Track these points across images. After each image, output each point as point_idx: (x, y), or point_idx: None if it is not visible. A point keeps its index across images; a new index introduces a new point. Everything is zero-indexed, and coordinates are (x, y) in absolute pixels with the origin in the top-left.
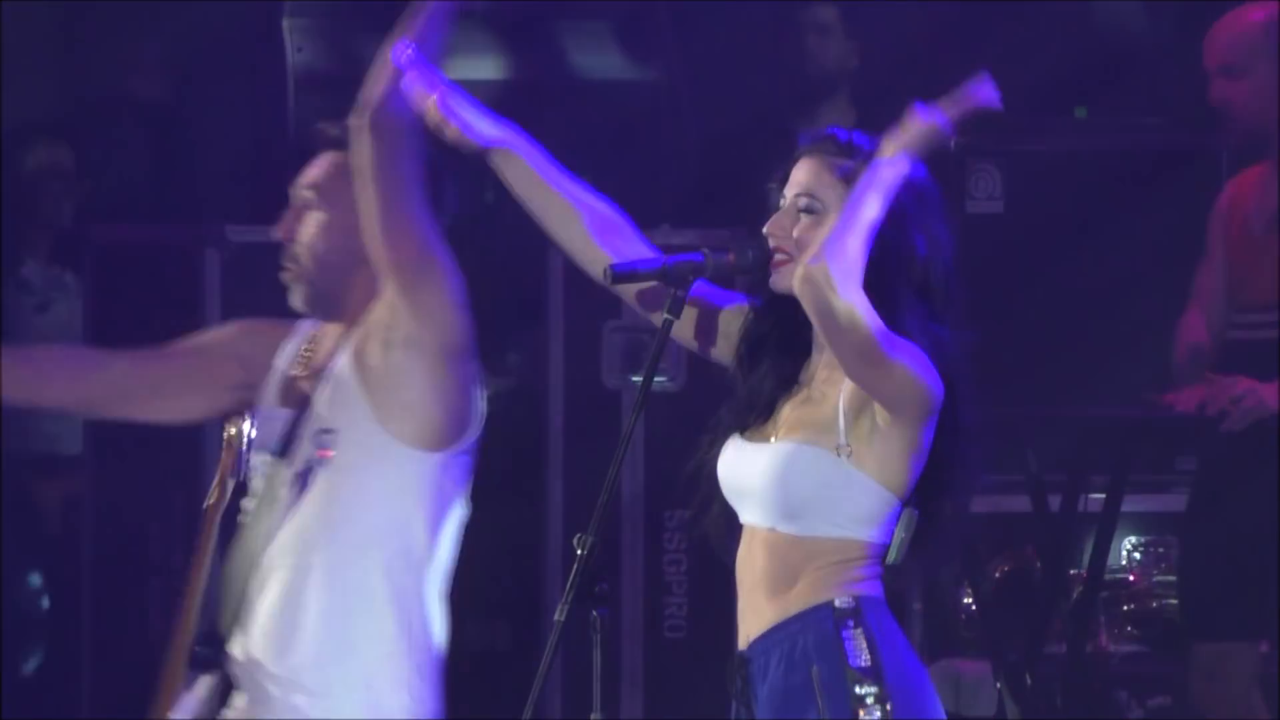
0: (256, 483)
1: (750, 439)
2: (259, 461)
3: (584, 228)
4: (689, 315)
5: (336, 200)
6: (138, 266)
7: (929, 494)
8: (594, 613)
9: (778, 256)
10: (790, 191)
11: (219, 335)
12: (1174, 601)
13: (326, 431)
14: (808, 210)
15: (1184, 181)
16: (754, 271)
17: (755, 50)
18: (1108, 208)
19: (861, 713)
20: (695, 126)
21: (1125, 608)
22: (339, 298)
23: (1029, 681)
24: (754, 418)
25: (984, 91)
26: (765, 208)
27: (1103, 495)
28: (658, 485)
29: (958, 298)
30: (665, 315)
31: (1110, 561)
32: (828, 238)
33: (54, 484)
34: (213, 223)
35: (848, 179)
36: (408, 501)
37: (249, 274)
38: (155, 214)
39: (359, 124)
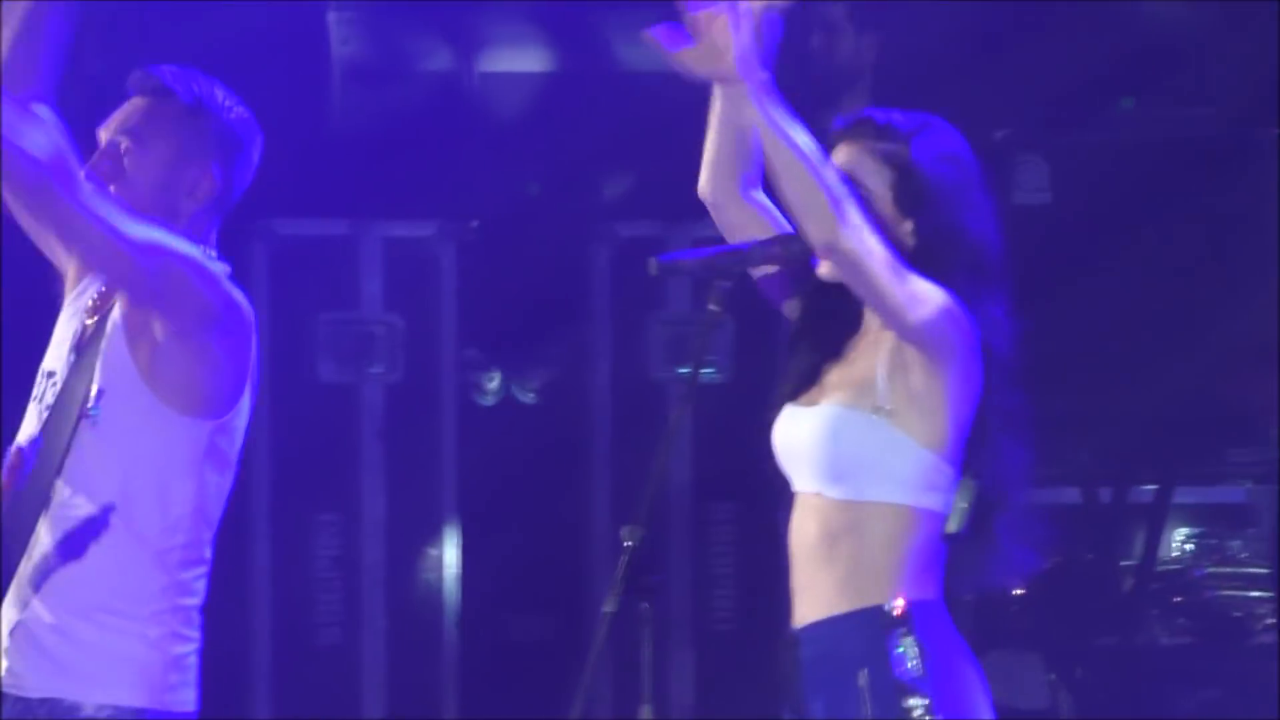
0: (39, 420)
1: (799, 405)
2: (49, 398)
3: (743, 154)
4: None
5: (152, 148)
6: None
7: (983, 468)
8: (643, 605)
9: None
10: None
11: None
12: (1226, 593)
13: (99, 391)
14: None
15: (1231, 172)
16: (799, 261)
17: (793, 43)
18: (1155, 198)
19: None
20: None
21: (1176, 600)
22: None
23: (1080, 674)
24: (802, 385)
25: None
26: None
27: (1154, 488)
28: (706, 476)
29: (1008, 277)
30: (711, 307)
31: (1161, 554)
32: (817, 199)
33: None
34: (259, 216)
35: (891, 162)
36: (173, 467)
37: (296, 267)
38: None
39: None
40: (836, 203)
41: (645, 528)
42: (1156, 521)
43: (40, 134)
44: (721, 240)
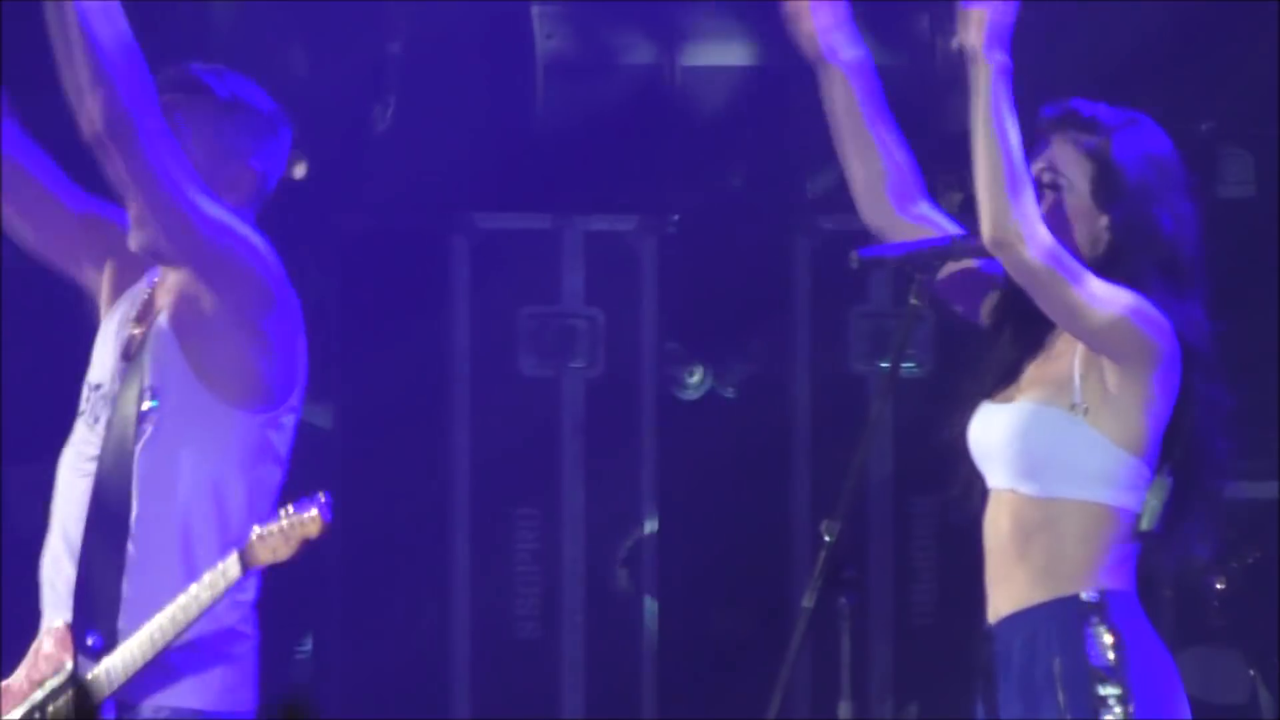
0: (95, 434)
1: (996, 402)
2: (99, 408)
3: (881, 172)
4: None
5: (192, 142)
6: (386, 254)
7: (1180, 465)
8: (841, 600)
9: None
10: (1034, 167)
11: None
12: None
13: (154, 388)
14: (1052, 186)
15: None
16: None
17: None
18: None
19: (1103, 712)
20: (943, 123)
21: None
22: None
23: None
24: (1000, 382)
25: None
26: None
27: None
28: (906, 471)
29: (1205, 275)
30: (912, 300)
31: None
32: (998, 190)
33: None
34: (461, 210)
35: (1093, 155)
36: (228, 463)
37: (497, 261)
38: (403, 202)
39: (91, 139)
40: (1016, 196)
41: (844, 522)
42: None
43: (144, 84)
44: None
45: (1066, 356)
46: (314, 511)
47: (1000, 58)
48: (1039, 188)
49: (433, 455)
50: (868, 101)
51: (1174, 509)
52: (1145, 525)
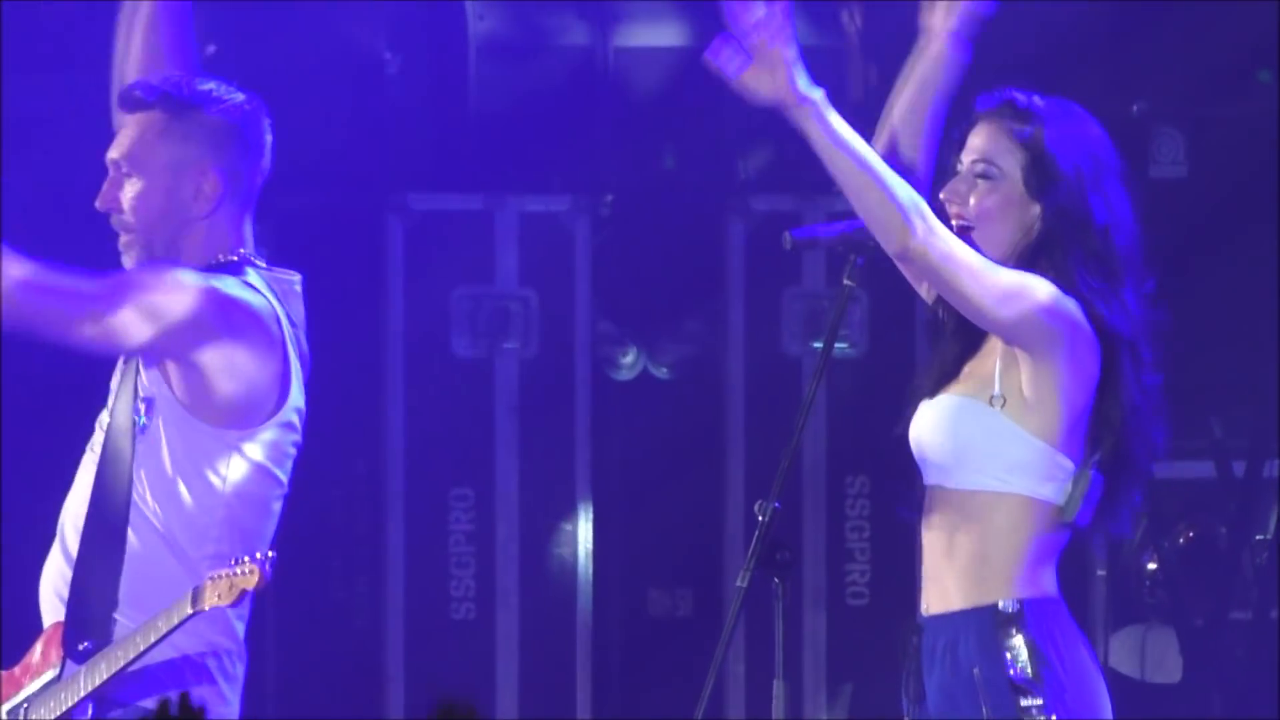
0: (101, 440)
1: (932, 399)
2: (102, 418)
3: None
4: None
5: (148, 165)
6: (320, 234)
7: (1109, 453)
8: (775, 580)
9: (956, 224)
10: (967, 157)
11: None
12: None
13: (147, 399)
14: (984, 176)
15: None
16: None
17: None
18: None
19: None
20: (877, 93)
21: None
22: (171, 259)
23: (1213, 647)
24: (941, 379)
25: None
26: (944, 172)
27: None
28: (839, 451)
29: (1139, 261)
30: (846, 282)
31: None
32: (883, 206)
33: None
34: (395, 191)
35: (1026, 144)
36: (201, 477)
37: (431, 241)
38: (337, 182)
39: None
40: (904, 213)
41: (778, 502)
42: None
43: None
44: (855, 216)
45: (994, 352)
46: (253, 568)
47: (815, 94)
48: (973, 177)
49: (367, 436)
50: (944, 94)
51: (1104, 500)
52: (1068, 516)
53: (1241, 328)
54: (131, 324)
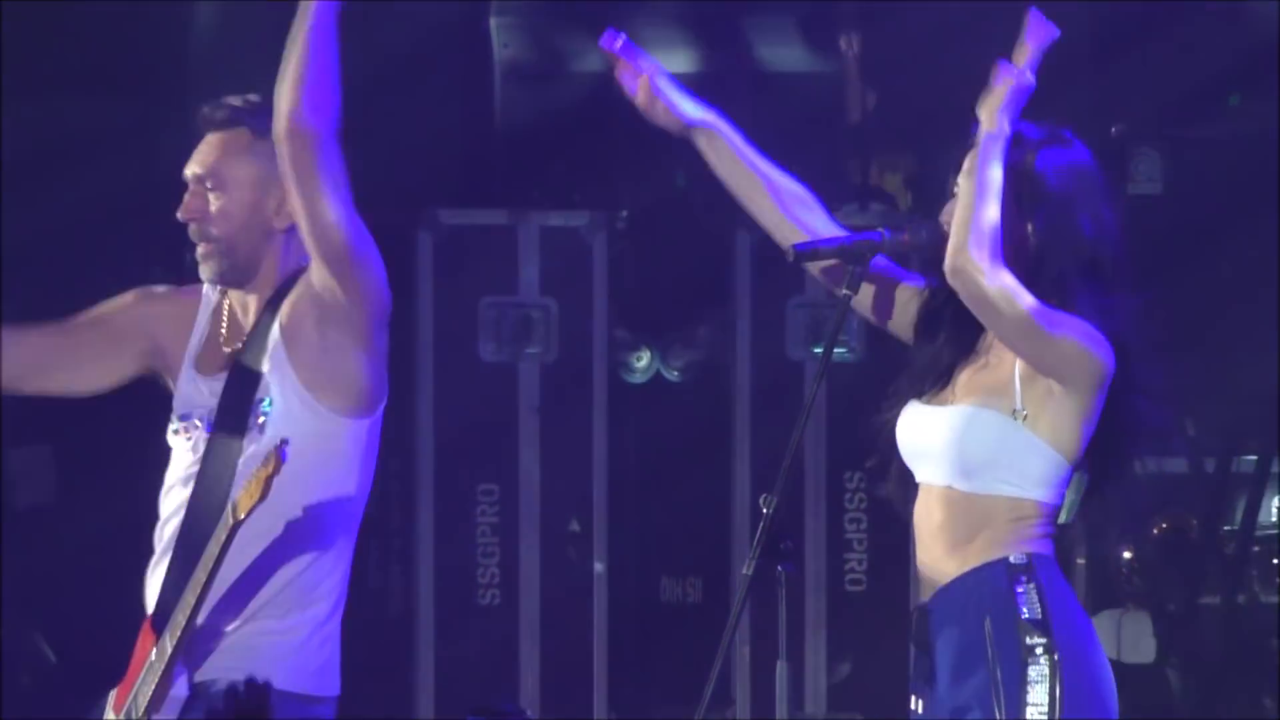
0: (194, 451)
1: (928, 403)
2: (193, 430)
3: (776, 203)
4: (869, 290)
5: (228, 180)
6: None
7: (1105, 453)
8: (779, 568)
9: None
10: (963, 177)
11: (119, 304)
12: None
13: (265, 400)
14: None
15: None
16: (927, 249)
17: (932, 44)
18: (1259, 188)
19: (1030, 662)
20: (874, 116)
21: (1275, 561)
22: (252, 269)
23: (1185, 630)
24: (932, 384)
25: (1040, 28)
26: (943, 194)
27: (1255, 457)
28: (838, 449)
29: (1127, 272)
30: (844, 290)
31: (1261, 519)
32: (965, 227)
33: None
34: (425, 207)
35: (1017, 168)
36: (339, 468)
37: (458, 254)
38: (372, 199)
39: (275, 133)
40: (975, 234)
41: (781, 496)
42: (1257, 489)
43: (331, 92)
44: (852, 229)
45: (1007, 364)
46: (272, 457)
47: (1003, 127)
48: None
49: (399, 435)
50: (739, 146)
51: (1089, 499)
52: (1064, 518)
53: (1214, 334)
54: (372, 273)
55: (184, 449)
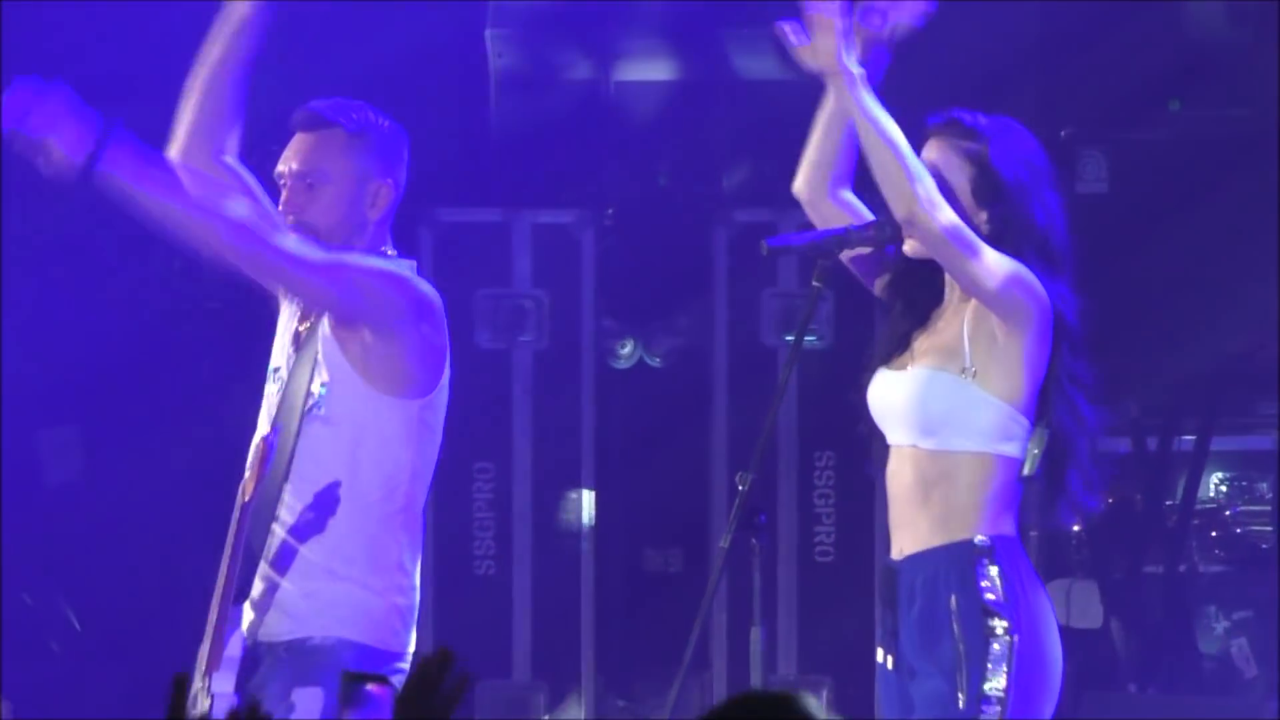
0: (270, 410)
1: (891, 368)
2: (278, 382)
3: (833, 162)
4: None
5: (333, 175)
6: None
7: (1054, 422)
8: (754, 540)
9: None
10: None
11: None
12: (1256, 528)
13: (323, 381)
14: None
15: (1266, 163)
16: (891, 242)
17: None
18: (1198, 188)
19: (992, 640)
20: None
21: (1213, 534)
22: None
23: (1130, 598)
24: (893, 351)
25: None
26: None
27: (1194, 437)
28: (809, 429)
29: (1072, 259)
30: (814, 283)
31: (1200, 494)
32: (901, 177)
33: None
34: (425, 205)
35: (972, 159)
36: (390, 444)
37: (456, 249)
38: None
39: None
40: (914, 181)
41: (756, 473)
42: (1196, 466)
43: (239, 202)
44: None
45: (954, 327)
46: (262, 442)
47: (858, 70)
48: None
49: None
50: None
51: (1050, 460)
52: (1028, 470)
53: (1156, 322)
54: (366, 294)
55: (270, 399)
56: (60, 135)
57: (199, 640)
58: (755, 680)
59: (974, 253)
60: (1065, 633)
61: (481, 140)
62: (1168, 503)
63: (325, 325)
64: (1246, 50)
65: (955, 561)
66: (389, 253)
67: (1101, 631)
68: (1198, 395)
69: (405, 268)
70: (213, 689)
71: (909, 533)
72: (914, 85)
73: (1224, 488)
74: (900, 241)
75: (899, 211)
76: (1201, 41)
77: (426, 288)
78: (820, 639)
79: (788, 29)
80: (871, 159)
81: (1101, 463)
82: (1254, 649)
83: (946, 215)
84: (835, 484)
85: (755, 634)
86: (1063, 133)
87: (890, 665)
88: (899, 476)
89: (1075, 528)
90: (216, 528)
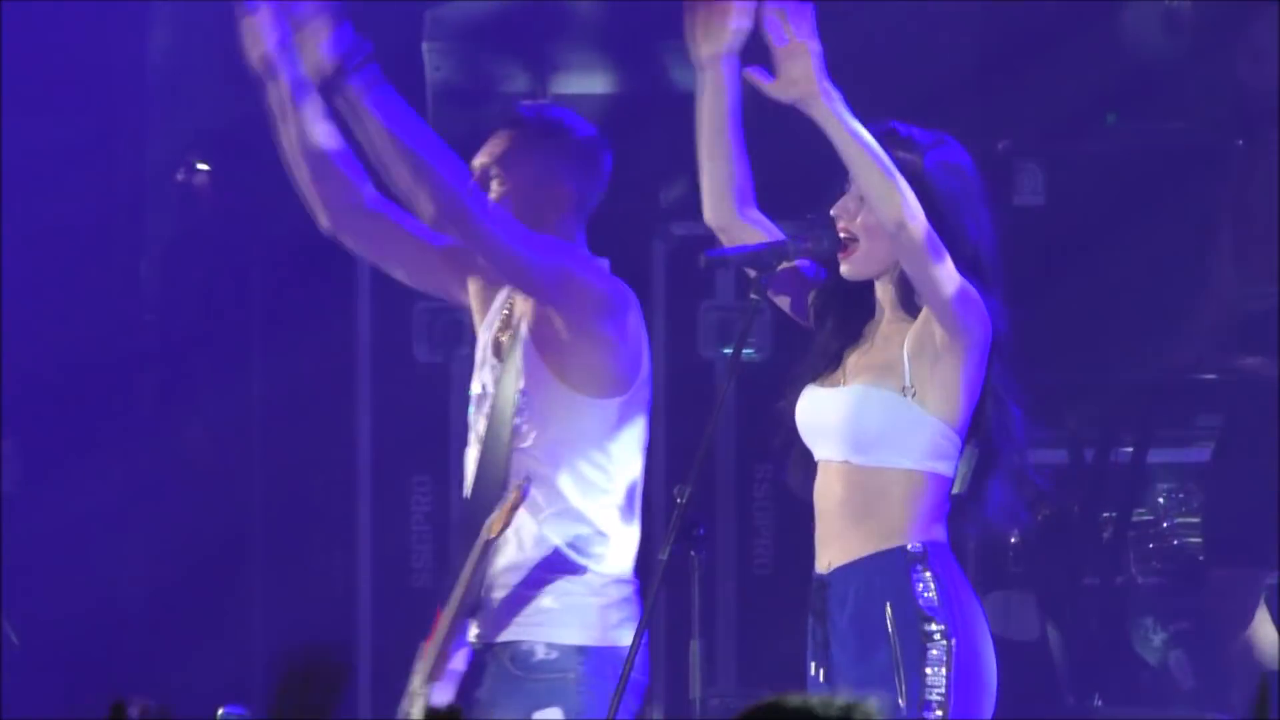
0: (476, 426)
1: (822, 385)
2: (483, 403)
3: (730, 175)
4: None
5: (515, 170)
6: (301, 259)
7: (984, 439)
8: (692, 553)
9: (848, 246)
10: (847, 151)
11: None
12: (1192, 540)
13: (522, 392)
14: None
15: (1199, 176)
16: (829, 256)
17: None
18: (1134, 201)
19: (929, 645)
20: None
21: (1150, 545)
22: None
23: (1067, 610)
24: (824, 368)
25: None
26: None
27: (1131, 449)
28: (746, 442)
29: (1003, 273)
30: (752, 295)
31: (1137, 506)
32: (893, 191)
33: None
34: None
35: (905, 169)
36: (591, 444)
37: None
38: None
39: (429, 223)
40: (901, 191)
41: (694, 486)
42: (1133, 478)
43: (455, 165)
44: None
45: (893, 344)
46: (515, 489)
47: (829, 88)
48: (859, 196)
49: (341, 430)
50: (733, 110)
51: (978, 475)
52: (958, 488)
53: (1092, 334)
54: (565, 279)
55: (477, 419)
56: (323, 36)
57: (142, 659)
58: (694, 692)
59: (943, 259)
60: (1003, 645)
61: None
62: (1105, 515)
63: (525, 329)
64: (1183, 63)
65: (888, 569)
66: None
67: (1039, 644)
68: (1135, 407)
69: (603, 265)
70: (431, 699)
71: (838, 545)
72: (852, 97)
73: (1161, 500)
74: (837, 253)
75: (890, 223)
76: (1138, 54)
77: (619, 284)
78: (760, 652)
79: (753, 76)
80: (858, 175)
81: (1030, 478)
82: (1191, 661)
83: (923, 220)
84: (774, 497)
85: (694, 646)
86: (1000, 145)
87: (822, 678)
88: (829, 492)
89: (1012, 539)
90: (161, 537)
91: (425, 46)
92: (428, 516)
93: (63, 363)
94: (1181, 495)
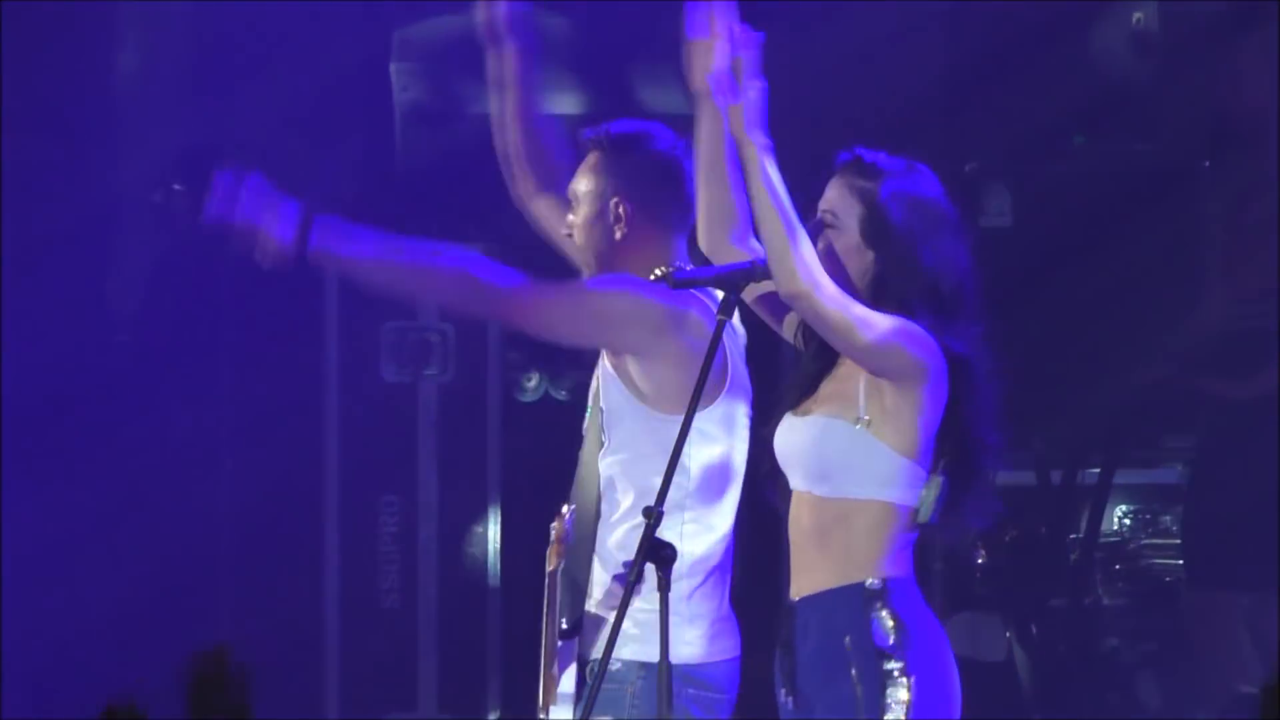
0: (586, 433)
1: (795, 413)
2: (596, 415)
3: (727, 205)
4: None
5: (579, 196)
6: (269, 278)
7: (952, 459)
8: (660, 574)
9: None
10: (821, 206)
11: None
12: (1159, 561)
13: (603, 410)
14: (829, 225)
15: (1168, 198)
16: None
17: (813, 90)
18: (1102, 222)
19: (888, 684)
20: None
21: (1117, 567)
22: (615, 271)
23: (1034, 631)
24: (800, 394)
25: (735, 39)
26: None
27: (1098, 470)
28: None
29: (971, 301)
30: (719, 316)
31: (1104, 527)
32: (788, 253)
33: None
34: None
35: (863, 198)
36: (666, 455)
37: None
38: None
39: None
40: (798, 261)
41: (662, 507)
42: (1100, 500)
43: (464, 253)
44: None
45: (855, 376)
46: (561, 519)
47: (762, 139)
48: (820, 224)
49: (308, 450)
50: (731, 139)
51: (948, 499)
52: (922, 517)
53: (1059, 355)
54: (581, 324)
55: (591, 429)
56: (267, 224)
57: (110, 680)
58: (663, 713)
59: (858, 328)
60: (970, 666)
61: (387, 173)
62: (1072, 536)
63: (606, 360)
64: (1150, 85)
65: (847, 605)
66: (657, 271)
67: (1006, 665)
68: (1102, 428)
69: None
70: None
71: (806, 575)
72: (820, 121)
73: (1128, 521)
74: None
75: (783, 285)
76: (1105, 76)
77: (681, 300)
78: None
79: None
80: (762, 233)
81: (994, 499)
82: (1158, 681)
83: (829, 291)
84: (740, 519)
85: (663, 667)
86: (967, 166)
87: (792, 705)
88: (798, 521)
89: (980, 560)
90: (130, 558)
91: (393, 67)
92: (395, 537)
93: (35, 383)
94: (1148, 516)
